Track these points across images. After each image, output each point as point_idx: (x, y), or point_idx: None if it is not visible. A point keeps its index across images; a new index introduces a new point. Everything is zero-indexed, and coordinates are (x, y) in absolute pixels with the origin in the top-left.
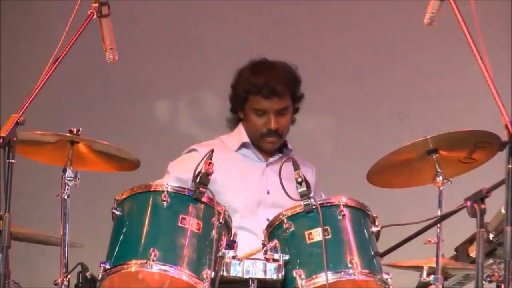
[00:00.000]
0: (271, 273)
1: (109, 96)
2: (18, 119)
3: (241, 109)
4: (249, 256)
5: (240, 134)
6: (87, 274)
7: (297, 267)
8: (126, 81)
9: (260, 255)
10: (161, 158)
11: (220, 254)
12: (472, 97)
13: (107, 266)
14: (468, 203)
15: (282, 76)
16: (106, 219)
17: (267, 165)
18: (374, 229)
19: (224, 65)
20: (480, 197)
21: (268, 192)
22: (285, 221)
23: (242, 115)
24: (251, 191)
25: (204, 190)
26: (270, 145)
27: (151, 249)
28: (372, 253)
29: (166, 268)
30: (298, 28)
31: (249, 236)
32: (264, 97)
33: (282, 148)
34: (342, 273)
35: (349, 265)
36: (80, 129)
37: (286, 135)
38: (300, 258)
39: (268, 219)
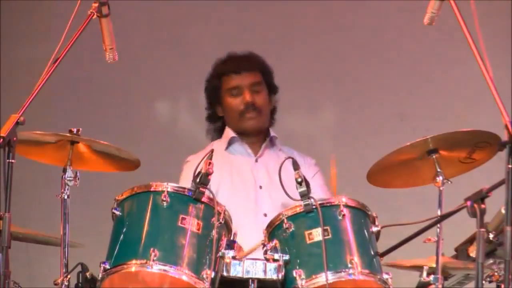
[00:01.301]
0: (271, 273)
1: (109, 96)
2: (18, 119)
3: (218, 103)
4: (250, 252)
5: (227, 133)
6: (87, 274)
7: (297, 267)
8: (126, 81)
9: (260, 255)
10: (161, 158)
11: (220, 254)
12: (472, 97)
13: (107, 266)
14: (468, 203)
15: (248, 55)
16: (106, 219)
17: (256, 160)
18: (374, 229)
19: None
20: (480, 197)
21: (260, 187)
22: (285, 221)
23: (220, 110)
24: (244, 189)
25: (204, 190)
26: (252, 122)
27: (151, 249)
28: (372, 253)
29: (166, 268)
30: (298, 28)
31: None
32: (235, 72)
33: (264, 137)
34: (342, 273)
35: (349, 265)
36: (80, 129)
37: (266, 114)
38: (300, 258)
39: (265, 214)
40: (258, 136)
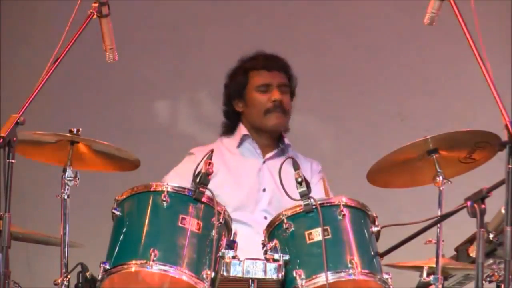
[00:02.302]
0: (271, 273)
1: (109, 96)
2: (18, 119)
3: (239, 98)
4: None
5: (240, 130)
6: (87, 274)
7: (297, 267)
8: (126, 81)
9: (260, 255)
10: (161, 158)
11: (220, 254)
12: (472, 97)
13: (107, 266)
14: (468, 203)
15: (279, 56)
16: (106, 219)
17: (264, 162)
18: (374, 229)
19: (224, 65)
20: (480, 197)
21: (264, 190)
22: (285, 221)
23: (240, 105)
24: (247, 189)
25: (204, 190)
26: (276, 121)
27: (151, 249)
28: (372, 253)
29: (166, 268)
30: (298, 29)
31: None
32: (267, 70)
33: (278, 143)
34: (342, 273)
35: (349, 265)
36: (80, 129)
37: (289, 117)
38: (300, 258)
39: (265, 217)
40: (271, 138)
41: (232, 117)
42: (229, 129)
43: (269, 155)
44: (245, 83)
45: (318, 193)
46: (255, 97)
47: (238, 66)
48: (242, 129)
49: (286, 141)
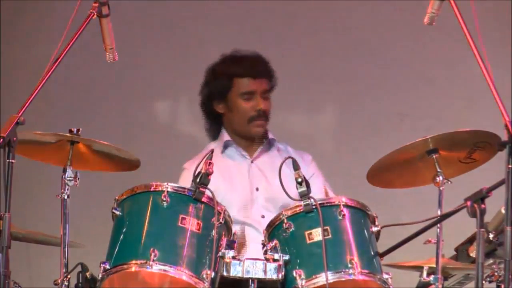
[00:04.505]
0: (271, 273)
1: (109, 96)
2: (18, 119)
3: (221, 100)
4: None
5: (222, 136)
6: (87, 274)
7: (297, 267)
8: (126, 81)
9: (260, 255)
10: (161, 158)
11: (220, 254)
12: (472, 97)
13: (107, 266)
14: (468, 203)
15: (263, 59)
16: (106, 219)
17: (252, 162)
18: (374, 229)
19: None
20: (480, 197)
21: (257, 189)
22: (285, 221)
23: (222, 107)
24: (240, 191)
25: (204, 190)
26: (259, 129)
27: (151, 249)
28: (372, 253)
29: (166, 268)
30: (298, 28)
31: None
32: (252, 77)
33: (262, 140)
34: (342, 273)
35: (349, 265)
36: (80, 129)
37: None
38: (300, 258)
39: (263, 216)
40: (253, 139)
41: (212, 117)
42: (214, 134)
43: (255, 154)
44: (228, 87)
45: (315, 185)
46: (239, 104)
47: (222, 68)
48: (224, 135)
49: (270, 135)
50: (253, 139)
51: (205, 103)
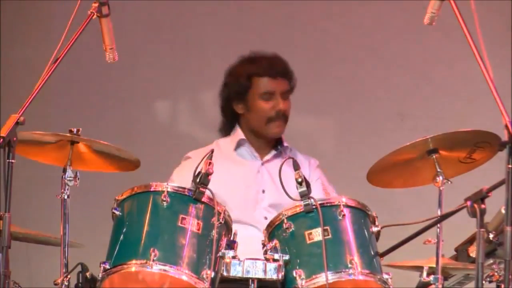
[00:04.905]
0: (271, 273)
1: (109, 96)
2: (18, 119)
3: (240, 100)
4: None
5: (237, 134)
6: (87, 274)
7: (297, 267)
8: (126, 81)
9: (260, 255)
10: (161, 158)
11: (220, 254)
12: (472, 97)
13: (107, 266)
14: (468, 203)
15: (281, 60)
16: (106, 219)
17: (262, 164)
18: (374, 229)
19: (224, 65)
20: (480, 197)
21: (263, 191)
22: (285, 221)
23: (241, 108)
24: (246, 191)
25: (204, 190)
26: (277, 130)
27: (151, 249)
28: (372, 253)
29: (166, 268)
30: (298, 28)
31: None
32: (272, 77)
33: (277, 145)
34: (342, 273)
35: (349, 265)
36: (80, 129)
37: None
38: (300, 258)
39: (265, 218)
40: (269, 141)
41: (230, 117)
42: (226, 130)
43: (267, 157)
44: (247, 88)
45: (317, 190)
46: (258, 104)
47: (240, 69)
48: (239, 133)
49: (285, 143)
50: (268, 141)
51: (224, 104)
